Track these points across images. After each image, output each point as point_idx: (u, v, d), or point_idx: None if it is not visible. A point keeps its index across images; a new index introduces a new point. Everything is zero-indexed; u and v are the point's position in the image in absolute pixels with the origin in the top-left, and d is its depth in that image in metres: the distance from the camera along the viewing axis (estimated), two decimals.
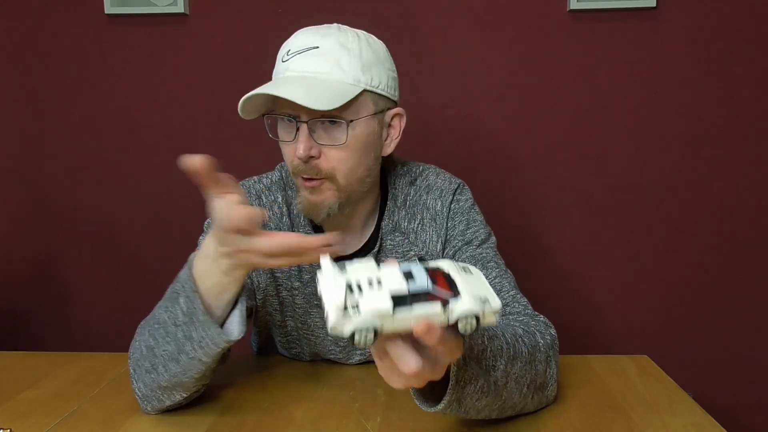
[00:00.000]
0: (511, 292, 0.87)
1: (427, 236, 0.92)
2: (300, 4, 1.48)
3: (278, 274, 0.92)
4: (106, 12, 1.49)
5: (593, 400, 0.82)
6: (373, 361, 0.96)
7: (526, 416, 0.78)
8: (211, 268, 0.70)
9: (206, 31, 1.51)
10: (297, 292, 0.93)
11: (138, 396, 0.78)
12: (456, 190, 0.94)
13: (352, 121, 0.81)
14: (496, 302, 0.55)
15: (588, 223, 1.53)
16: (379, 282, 0.52)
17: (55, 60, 1.54)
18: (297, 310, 0.94)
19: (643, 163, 1.50)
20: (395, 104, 0.89)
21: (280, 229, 0.91)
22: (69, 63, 1.54)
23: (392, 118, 0.88)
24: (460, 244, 0.91)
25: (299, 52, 0.81)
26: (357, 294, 0.51)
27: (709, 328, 1.54)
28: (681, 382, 0.89)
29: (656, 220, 1.52)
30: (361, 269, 0.54)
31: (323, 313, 0.52)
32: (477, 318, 0.53)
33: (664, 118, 1.48)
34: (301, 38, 0.83)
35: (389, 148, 0.90)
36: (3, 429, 0.75)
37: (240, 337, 0.73)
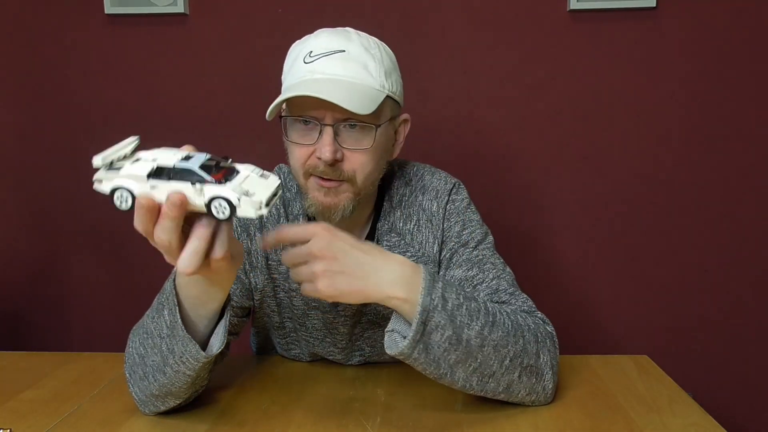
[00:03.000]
0: (509, 290, 0.86)
1: (423, 238, 0.92)
2: (300, 4, 1.48)
3: (275, 276, 0.92)
4: (106, 12, 1.49)
5: (593, 400, 0.82)
6: (372, 362, 0.97)
7: (526, 415, 0.78)
8: (190, 279, 0.68)
9: (206, 31, 1.51)
10: (295, 294, 0.92)
11: (135, 399, 0.79)
12: (451, 191, 0.94)
13: (379, 126, 0.81)
14: (260, 197, 0.56)
15: (587, 223, 1.53)
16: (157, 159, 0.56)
17: (55, 60, 1.54)
18: (295, 311, 0.94)
19: (642, 163, 1.50)
20: (400, 109, 0.90)
21: None
22: (69, 63, 1.54)
23: (399, 124, 0.90)
24: (456, 246, 0.91)
25: (325, 55, 0.80)
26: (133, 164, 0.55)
27: (709, 328, 1.54)
28: (681, 382, 0.89)
29: (656, 220, 1.52)
30: (158, 152, 0.58)
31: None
32: (231, 204, 0.55)
33: (663, 118, 1.48)
34: (323, 40, 0.82)
35: (395, 152, 0.91)
36: (3, 429, 0.75)
37: (219, 350, 0.72)
